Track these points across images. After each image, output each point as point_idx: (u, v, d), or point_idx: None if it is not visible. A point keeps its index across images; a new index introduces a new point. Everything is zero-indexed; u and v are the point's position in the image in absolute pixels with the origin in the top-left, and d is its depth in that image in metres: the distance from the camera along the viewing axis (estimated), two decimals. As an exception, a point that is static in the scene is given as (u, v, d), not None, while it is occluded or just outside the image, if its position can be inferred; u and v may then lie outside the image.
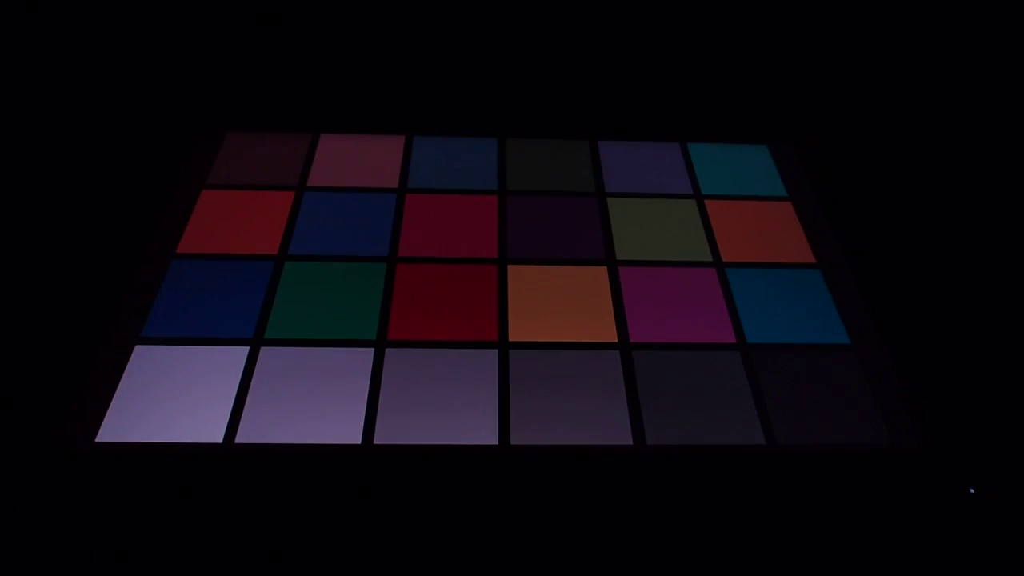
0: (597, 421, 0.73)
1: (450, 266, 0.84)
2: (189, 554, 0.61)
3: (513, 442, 0.71)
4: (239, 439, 0.68)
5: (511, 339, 0.78)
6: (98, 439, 0.67)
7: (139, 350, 0.74)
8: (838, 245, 0.91)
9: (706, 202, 0.95)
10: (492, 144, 0.99)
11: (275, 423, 0.70)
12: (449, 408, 0.72)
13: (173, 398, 0.71)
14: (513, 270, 0.85)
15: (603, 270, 0.86)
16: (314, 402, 0.72)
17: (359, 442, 0.69)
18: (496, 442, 0.70)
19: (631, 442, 0.72)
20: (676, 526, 0.66)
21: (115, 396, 0.71)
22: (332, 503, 0.65)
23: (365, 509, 0.65)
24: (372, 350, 0.76)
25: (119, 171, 0.88)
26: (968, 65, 0.97)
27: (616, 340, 0.79)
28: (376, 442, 0.69)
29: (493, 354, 0.77)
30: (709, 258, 0.88)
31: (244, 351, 0.75)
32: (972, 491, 0.70)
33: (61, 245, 0.80)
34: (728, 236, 0.91)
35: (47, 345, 0.73)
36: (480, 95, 0.99)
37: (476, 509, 0.66)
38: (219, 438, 0.68)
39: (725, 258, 0.88)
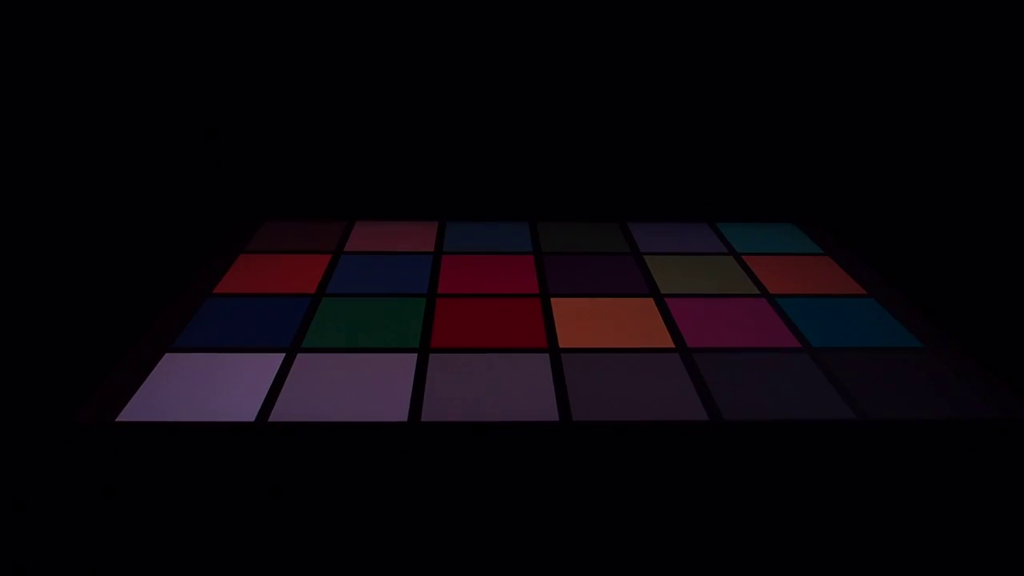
0: (666, 401, 0.66)
1: (491, 299, 0.81)
2: (202, 534, 0.53)
3: (575, 418, 0.64)
4: (273, 418, 0.62)
5: (562, 346, 0.74)
6: (119, 419, 0.61)
7: (168, 357, 0.69)
8: (886, 283, 0.89)
9: (743, 257, 0.94)
10: (523, 227, 1.00)
11: (312, 406, 0.63)
12: (504, 391, 0.66)
13: (200, 389, 0.65)
14: (557, 302, 0.82)
15: (650, 301, 0.83)
16: (355, 387, 0.66)
17: (405, 420, 0.62)
18: (557, 419, 0.63)
19: (706, 417, 0.64)
20: (776, 497, 0.57)
21: (140, 388, 0.65)
22: (378, 482, 0.57)
23: (415, 485, 0.57)
24: (415, 355, 0.71)
25: (162, 244, 0.89)
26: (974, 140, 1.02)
27: (674, 346, 0.75)
28: (424, 419, 0.62)
29: (544, 357, 0.72)
30: (757, 292, 0.85)
31: (279, 358, 0.70)
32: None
33: (112, 274, 0.81)
34: (772, 278, 0.89)
35: (81, 346, 0.69)
36: (509, 183, 1.02)
37: (541, 484, 0.58)
38: (251, 417, 0.62)
39: (773, 291, 0.86)
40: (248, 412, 0.62)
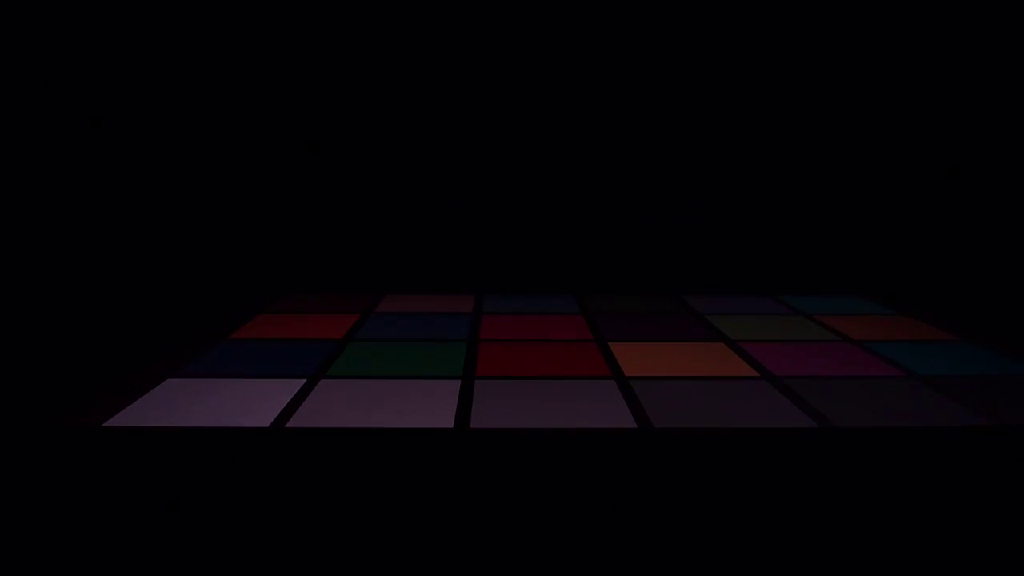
0: (760, 413, 0.55)
1: (540, 344, 0.72)
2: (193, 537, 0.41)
3: (657, 425, 0.52)
4: (291, 424, 0.51)
5: (628, 374, 0.63)
6: (107, 424, 0.50)
7: (170, 382, 0.59)
8: (975, 332, 0.79)
9: (816, 316, 0.84)
10: (569, 297, 0.92)
11: (334, 417, 0.53)
12: (566, 405, 0.55)
13: (203, 405, 0.54)
14: (616, 347, 0.72)
15: (721, 344, 0.73)
16: (390, 404, 0.55)
17: (451, 426, 0.51)
18: (635, 425, 0.52)
19: (814, 424, 0.53)
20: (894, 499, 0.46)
21: (135, 402, 0.54)
22: (425, 490, 0.46)
23: (474, 491, 0.45)
24: (459, 381, 0.61)
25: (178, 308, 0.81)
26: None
27: (758, 374, 0.64)
28: (473, 426, 0.51)
29: (610, 383, 0.61)
30: (840, 338, 0.76)
31: (297, 383, 0.60)
32: None
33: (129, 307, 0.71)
34: (855, 329, 0.79)
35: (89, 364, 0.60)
36: (555, 256, 0.95)
37: (620, 492, 0.46)
38: (265, 424, 0.51)
39: (857, 338, 0.76)
40: (259, 423, 0.52)
